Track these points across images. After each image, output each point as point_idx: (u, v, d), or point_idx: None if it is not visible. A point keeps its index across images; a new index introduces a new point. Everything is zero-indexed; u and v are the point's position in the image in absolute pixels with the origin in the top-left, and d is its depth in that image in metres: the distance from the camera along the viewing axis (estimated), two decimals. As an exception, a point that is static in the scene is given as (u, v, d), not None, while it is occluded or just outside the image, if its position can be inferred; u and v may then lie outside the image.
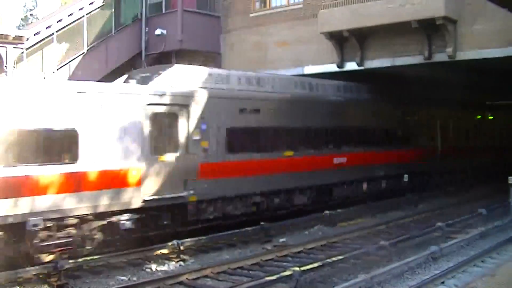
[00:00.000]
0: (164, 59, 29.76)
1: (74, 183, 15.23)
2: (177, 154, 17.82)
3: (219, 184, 18.91)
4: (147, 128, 16.98)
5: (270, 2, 28.58)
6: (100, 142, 15.83)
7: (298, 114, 22.19)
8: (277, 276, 13.18)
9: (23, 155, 14.44)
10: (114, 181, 16.14)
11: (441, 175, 30.92)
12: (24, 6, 50.50)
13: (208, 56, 29.80)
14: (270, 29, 27.93)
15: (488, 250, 16.25)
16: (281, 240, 18.75)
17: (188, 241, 17.04)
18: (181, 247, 16.45)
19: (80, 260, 14.87)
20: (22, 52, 25.19)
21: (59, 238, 15.02)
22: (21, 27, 40.28)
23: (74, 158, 15.32)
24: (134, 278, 14.48)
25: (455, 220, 20.13)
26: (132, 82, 18.38)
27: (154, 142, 17.24)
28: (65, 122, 15.28)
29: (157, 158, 17.21)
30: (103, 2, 28.57)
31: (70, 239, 15.20)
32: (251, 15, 28.83)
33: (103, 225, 16.03)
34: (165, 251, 16.45)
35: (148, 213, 17.01)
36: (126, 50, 29.14)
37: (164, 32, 28.67)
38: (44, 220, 14.57)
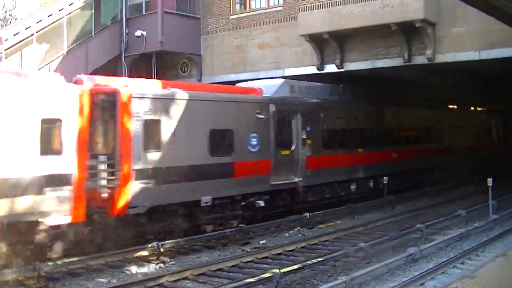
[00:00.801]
0: (144, 60, 29.67)
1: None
2: (292, 149, 22.43)
3: (318, 173, 23.52)
4: (273, 129, 21.52)
5: (250, 4, 28.63)
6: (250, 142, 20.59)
7: (363, 119, 27.40)
8: (257, 278, 13.14)
9: None
10: (255, 170, 20.68)
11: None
12: (3, 7, 50.06)
13: (189, 57, 29.75)
14: (250, 31, 27.98)
15: (467, 251, 16.32)
16: (261, 242, 18.76)
17: (167, 243, 16.98)
18: (161, 249, 16.38)
19: (59, 262, 14.74)
20: (0, 53, 24.98)
21: (221, 212, 19.56)
22: (-1, 28, 39.99)
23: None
24: (114, 281, 14.37)
25: (434, 221, 20.17)
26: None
27: (278, 140, 21.74)
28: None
29: (280, 152, 21.81)
30: (83, 3, 28.40)
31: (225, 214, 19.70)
32: (231, 17, 28.85)
33: (244, 204, 20.35)
34: (144, 253, 16.36)
35: (273, 195, 21.49)
36: (106, 51, 28.98)
37: (144, 33, 28.52)
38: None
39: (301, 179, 22.49)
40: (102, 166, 16.23)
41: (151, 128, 17.27)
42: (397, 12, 21.77)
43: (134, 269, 15.37)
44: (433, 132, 33.90)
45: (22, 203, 14.21)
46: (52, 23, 27.29)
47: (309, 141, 23.11)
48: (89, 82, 16.65)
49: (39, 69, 26.26)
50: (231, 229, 18.98)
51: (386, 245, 17.39)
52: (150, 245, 16.37)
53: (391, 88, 30.45)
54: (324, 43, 24.65)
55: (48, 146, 14.92)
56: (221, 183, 19.39)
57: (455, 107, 38.65)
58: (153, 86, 18.59)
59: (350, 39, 24.22)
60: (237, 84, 24.19)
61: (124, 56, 29.32)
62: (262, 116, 21.06)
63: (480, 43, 21.31)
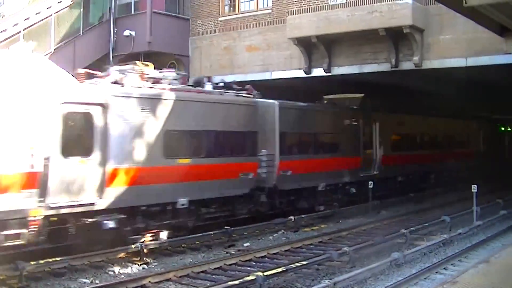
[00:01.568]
0: (132, 60, 29.55)
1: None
2: (372, 149, 28.77)
3: (388, 169, 29.48)
4: (361, 131, 27.91)
5: (239, 6, 28.64)
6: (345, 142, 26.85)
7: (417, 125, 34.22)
8: (241, 280, 13.14)
9: None
10: (350, 164, 26.85)
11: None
12: (-10, 4, 49.82)
13: (177, 58, 29.69)
14: (239, 34, 27.97)
15: (450, 257, 16.39)
16: (245, 244, 18.76)
17: (151, 244, 16.95)
18: (145, 250, 16.34)
19: (41, 262, 14.64)
20: (-13, 50, 24.82)
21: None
22: (-14, 25, 39.71)
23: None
24: (97, 281, 14.30)
25: (418, 227, 20.23)
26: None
27: (364, 141, 27.98)
28: None
29: (366, 152, 28.16)
30: (71, 2, 28.21)
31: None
32: (220, 19, 28.84)
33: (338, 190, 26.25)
34: (128, 253, 16.33)
35: (360, 184, 26.91)
36: (94, 50, 28.83)
37: (133, 33, 28.43)
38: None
39: (376, 172, 28.44)
40: None
41: None
42: (386, 18, 21.83)
43: (117, 269, 15.31)
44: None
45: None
46: (40, 21, 27.10)
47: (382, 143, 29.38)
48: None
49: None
50: (215, 232, 18.93)
51: (370, 249, 17.44)
52: (133, 246, 16.32)
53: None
54: (312, 47, 24.67)
55: None
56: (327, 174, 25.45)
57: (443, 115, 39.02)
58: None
59: (338, 43, 24.26)
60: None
61: (112, 56, 29.17)
62: (356, 123, 27.50)
63: (467, 50, 21.40)
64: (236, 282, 13.09)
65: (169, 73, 19.93)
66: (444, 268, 15.27)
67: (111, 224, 16.23)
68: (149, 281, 13.80)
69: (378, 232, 20.77)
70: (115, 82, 17.55)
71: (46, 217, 14.97)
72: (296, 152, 24.16)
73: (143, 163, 17.26)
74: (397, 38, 22.54)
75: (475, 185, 21.55)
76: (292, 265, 14.67)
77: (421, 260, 16.37)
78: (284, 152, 22.93)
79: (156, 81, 18.75)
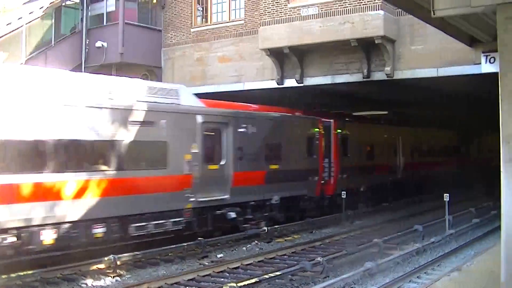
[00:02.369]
0: (104, 71, 29.44)
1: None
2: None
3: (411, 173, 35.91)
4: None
5: (211, 17, 28.64)
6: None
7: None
8: (214, 291, 13.12)
9: None
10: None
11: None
12: (-40, 15, 49.41)
13: (149, 70, 29.61)
14: (211, 45, 27.98)
15: (424, 266, 16.48)
16: (219, 255, 18.70)
17: (124, 256, 16.82)
18: (118, 262, 16.20)
19: (13, 275, 14.49)
20: (-43, 61, 24.63)
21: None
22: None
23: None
24: (69, 294, 14.23)
25: (391, 236, 20.31)
26: None
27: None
28: None
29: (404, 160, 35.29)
30: (43, 13, 28.11)
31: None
32: (193, 30, 28.84)
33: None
34: (101, 265, 16.16)
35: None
36: (66, 61, 28.62)
37: (105, 44, 28.34)
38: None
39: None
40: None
41: None
42: (357, 28, 21.98)
43: (90, 282, 15.17)
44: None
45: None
46: (11, 31, 26.97)
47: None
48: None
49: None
50: (188, 243, 18.85)
51: (343, 259, 17.47)
52: (106, 258, 16.18)
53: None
54: (284, 58, 24.75)
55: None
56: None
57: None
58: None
59: (311, 54, 24.36)
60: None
61: (84, 67, 29.04)
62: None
63: (438, 60, 21.60)
64: (210, 293, 13.07)
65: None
66: (417, 277, 15.34)
67: (233, 215, 20.80)
68: (122, 293, 13.72)
69: (351, 241, 20.82)
70: None
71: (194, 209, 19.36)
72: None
73: (252, 168, 21.86)
74: (369, 48, 22.69)
75: (447, 194, 21.69)
76: (265, 276, 14.66)
77: (394, 269, 16.42)
78: None
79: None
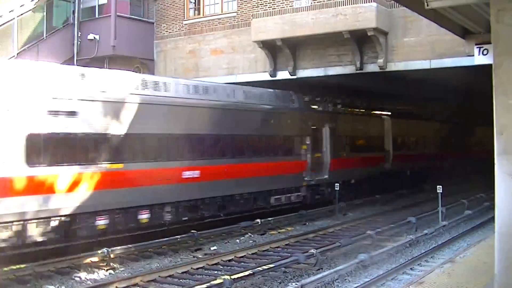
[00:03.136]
0: (96, 64, 29.37)
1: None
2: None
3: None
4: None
5: (204, 9, 28.58)
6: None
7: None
8: (208, 284, 13.06)
9: None
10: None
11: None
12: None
13: (141, 62, 29.54)
14: (204, 37, 27.96)
15: (417, 257, 16.52)
16: (212, 248, 18.70)
17: (118, 249, 16.80)
18: (111, 255, 16.19)
19: (6, 269, 14.45)
20: None
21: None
22: None
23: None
24: (63, 287, 14.18)
25: (384, 228, 20.35)
26: None
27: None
28: None
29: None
30: (34, 5, 27.98)
31: None
32: (185, 22, 28.78)
33: None
34: (94, 259, 16.15)
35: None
36: (58, 54, 28.49)
37: (97, 37, 28.24)
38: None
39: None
40: None
41: None
42: (350, 20, 21.96)
43: (83, 275, 15.14)
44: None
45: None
46: (2, 24, 26.83)
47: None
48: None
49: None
50: (182, 236, 18.85)
51: (336, 251, 17.50)
52: (99, 251, 16.16)
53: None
54: (277, 50, 24.74)
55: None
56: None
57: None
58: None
59: (303, 46, 24.36)
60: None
61: (76, 60, 28.92)
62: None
63: (431, 52, 21.63)
64: (204, 286, 13.02)
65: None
66: (411, 269, 15.38)
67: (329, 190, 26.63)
68: (116, 287, 13.65)
69: (344, 234, 20.83)
70: None
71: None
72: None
73: (341, 155, 28.09)
74: (361, 40, 22.69)
75: (440, 186, 21.73)
76: (259, 268, 14.64)
77: (388, 261, 16.46)
78: None
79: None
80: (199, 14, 28.86)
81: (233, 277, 13.42)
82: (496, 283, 9.30)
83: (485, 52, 13.69)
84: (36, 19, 28.63)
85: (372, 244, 18.30)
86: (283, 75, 24.99)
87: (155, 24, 29.87)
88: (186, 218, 20.11)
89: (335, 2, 22.53)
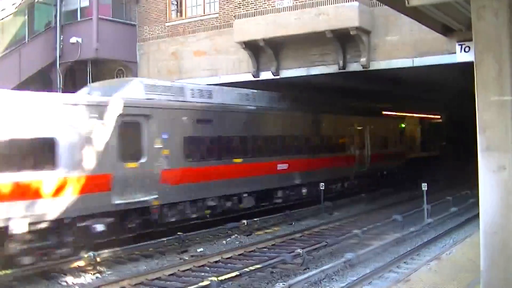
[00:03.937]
0: (79, 67, 29.28)
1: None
2: None
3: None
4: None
5: (186, 11, 28.53)
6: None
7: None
8: (195, 286, 13.07)
9: None
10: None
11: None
12: None
13: (124, 65, 29.45)
14: (186, 38, 27.91)
15: (403, 255, 16.59)
16: (199, 250, 18.68)
17: (104, 253, 16.75)
18: (98, 259, 16.14)
19: (-9, 274, 14.41)
20: None
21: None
22: None
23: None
24: (49, 292, 14.14)
25: (370, 227, 20.38)
26: None
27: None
28: None
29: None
30: (15, 9, 27.81)
31: None
32: (167, 24, 28.73)
33: None
34: (81, 263, 16.10)
35: None
36: (40, 58, 28.38)
37: (79, 40, 28.10)
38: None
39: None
40: None
41: None
42: (332, 20, 21.97)
43: (70, 279, 15.10)
44: None
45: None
46: (-17, 29, 26.70)
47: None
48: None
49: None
50: (168, 238, 18.82)
51: (323, 251, 17.54)
52: (86, 255, 16.11)
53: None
54: (260, 51, 24.72)
55: None
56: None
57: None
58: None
59: (286, 46, 24.34)
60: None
61: (59, 63, 28.80)
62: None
63: (413, 50, 21.66)
64: (191, 288, 13.04)
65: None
66: (397, 267, 15.43)
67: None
68: (103, 290, 13.66)
69: (331, 233, 20.87)
70: None
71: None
72: None
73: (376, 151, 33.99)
74: (344, 40, 22.69)
75: (425, 184, 21.82)
76: (246, 269, 14.66)
77: (374, 259, 16.50)
78: None
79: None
80: (181, 16, 28.80)
81: (220, 278, 13.44)
82: (482, 279, 9.33)
83: (467, 49, 13.78)
84: (17, 23, 28.47)
85: (358, 243, 18.34)
86: (266, 75, 24.96)
87: (137, 26, 29.77)
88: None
89: (317, 2, 22.58)
